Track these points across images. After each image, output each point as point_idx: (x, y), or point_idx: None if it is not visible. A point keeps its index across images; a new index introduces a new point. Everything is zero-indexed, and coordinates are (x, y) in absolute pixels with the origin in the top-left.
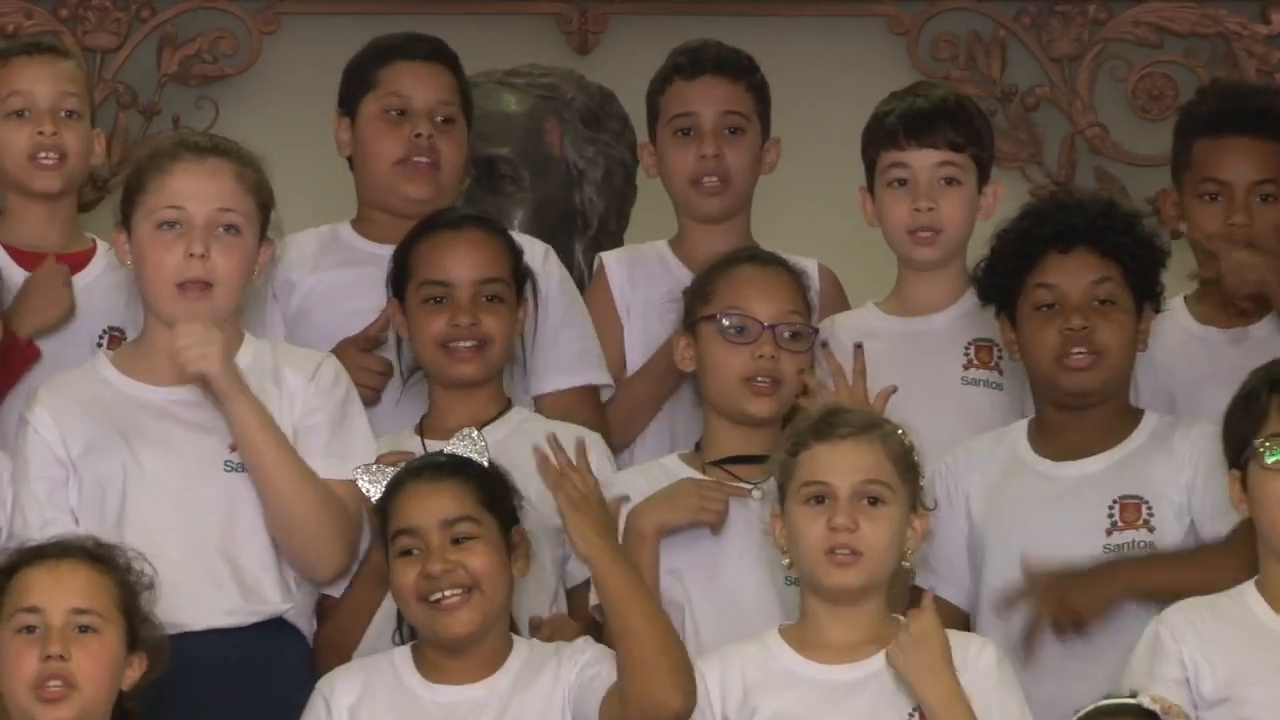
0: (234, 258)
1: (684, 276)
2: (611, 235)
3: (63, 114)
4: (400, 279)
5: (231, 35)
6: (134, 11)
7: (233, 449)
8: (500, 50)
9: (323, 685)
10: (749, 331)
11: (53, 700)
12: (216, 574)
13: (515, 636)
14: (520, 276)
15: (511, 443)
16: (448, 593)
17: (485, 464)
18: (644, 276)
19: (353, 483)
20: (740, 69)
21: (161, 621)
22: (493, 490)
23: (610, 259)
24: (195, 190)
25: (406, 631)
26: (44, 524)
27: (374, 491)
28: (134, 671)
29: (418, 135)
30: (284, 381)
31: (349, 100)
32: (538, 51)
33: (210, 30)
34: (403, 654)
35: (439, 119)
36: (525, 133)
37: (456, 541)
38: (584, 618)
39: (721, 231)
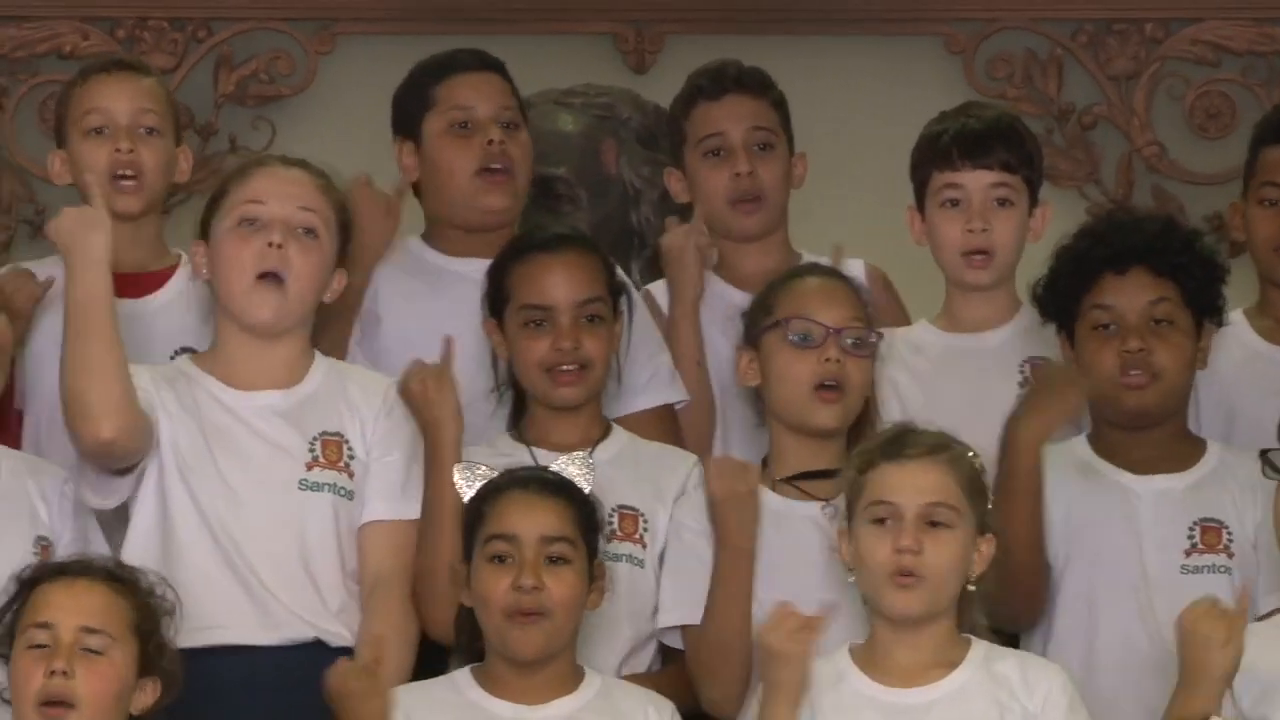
0: (311, 259)
1: (726, 294)
2: None
3: (142, 131)
4: (497, 299)
5: (288, 56)
6: (190, 32)
7: (309, 467)
8: (556, 70)
9: None
10: (814, 337)
11: (54, 718)
12: (283, 590)
13: (588, 668)
14: (615, 292)
15: (617, 466)
16: (528, 610)
17: (588, 490)
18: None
19: (412, 526)
20: (762, 85)
21: (214, 639)
22: (589, 518)
23: (655, 290)
24: (277, 189)
25: (458, 659)
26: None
27: (468, 490)
28: (145, 696)
29: (490, 143)
30: (354, 404)
31: (408, 123)
32: (594, 71)
33: (266, 51)
34: (463, 674)
35: (505, 125)
36: (582, 153)
37: (550, 561)
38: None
39: (761, 249)
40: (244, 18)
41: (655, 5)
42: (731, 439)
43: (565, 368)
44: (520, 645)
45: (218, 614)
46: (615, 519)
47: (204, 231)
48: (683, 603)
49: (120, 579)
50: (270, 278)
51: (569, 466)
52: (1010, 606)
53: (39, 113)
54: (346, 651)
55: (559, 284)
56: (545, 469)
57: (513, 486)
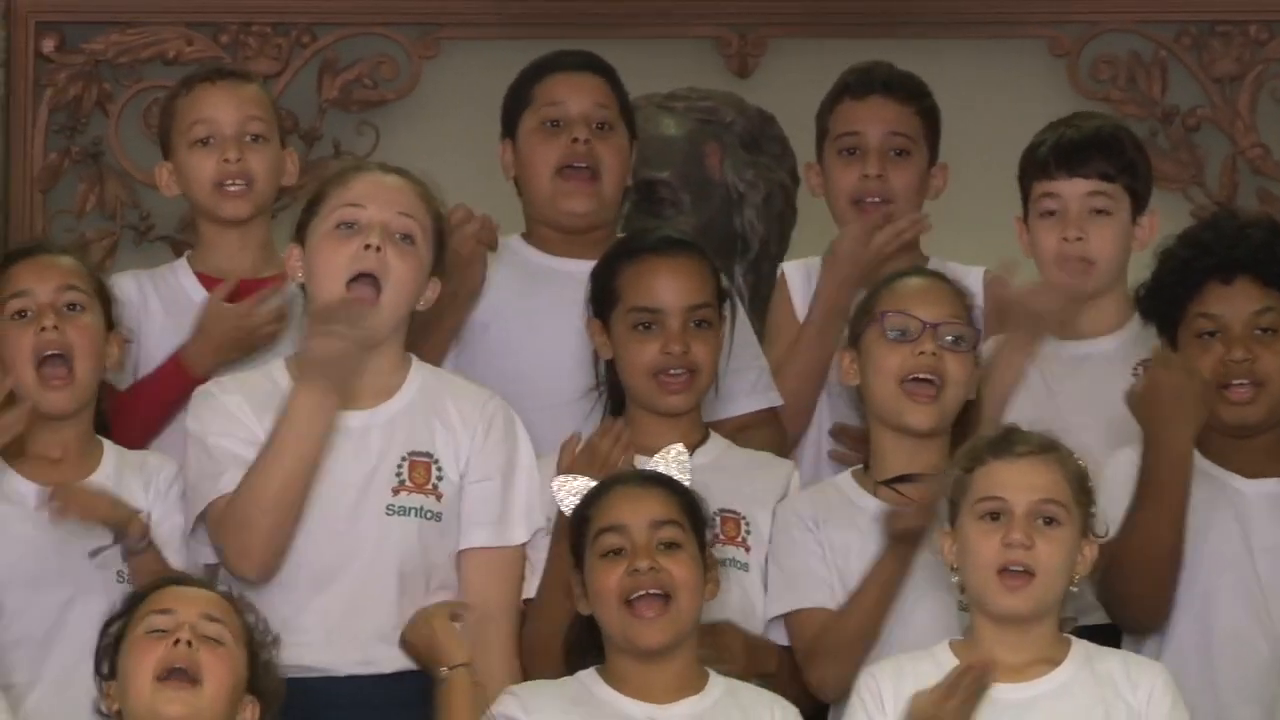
0: (407, 264)
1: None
2: (772, 259)
3: (248, 139)
4: (603, 300)
5: (391, 60)
6: (294, 37)
7: (395, 492)
8: (660, 74)
9: (508, 701)
10: (910, 331)
11: (179, 690)
12: (370, 616)
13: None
14: (721, 297)
15: (715, 471)
16: (649, 590)
17: (686, 483)
18: (798, 296)
19: (515, 552)
20: (910, 92)
21: (299, 665)
22: (695, 510)
23: (790, 268)
24: (377, 194)
25: (578, 662)
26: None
27: (568, 502)
28: (248, 713)
29: (574, 140)
30: (450, 422)
31: (509, 122)
32: (697, 75)
33: (370, 56)
34: (589, 674)
35: (595, 124)
36: (685, 156)
37: (662, 546)
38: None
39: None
40: (348, 22)
41: (758, 9)
42: (827, 439)
43: (673, 372)
44: (643, 635)
45: (306, 641)
46: (717, 522)
47: (300, 235)
48: (785, 592)
49: (233, 599)
50: (364, 280)
51: (663, 462)
52: (1140, 608)
53: (143, 118)
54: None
55: (670, 287)
56: (643, 470)
57: (615, 484)
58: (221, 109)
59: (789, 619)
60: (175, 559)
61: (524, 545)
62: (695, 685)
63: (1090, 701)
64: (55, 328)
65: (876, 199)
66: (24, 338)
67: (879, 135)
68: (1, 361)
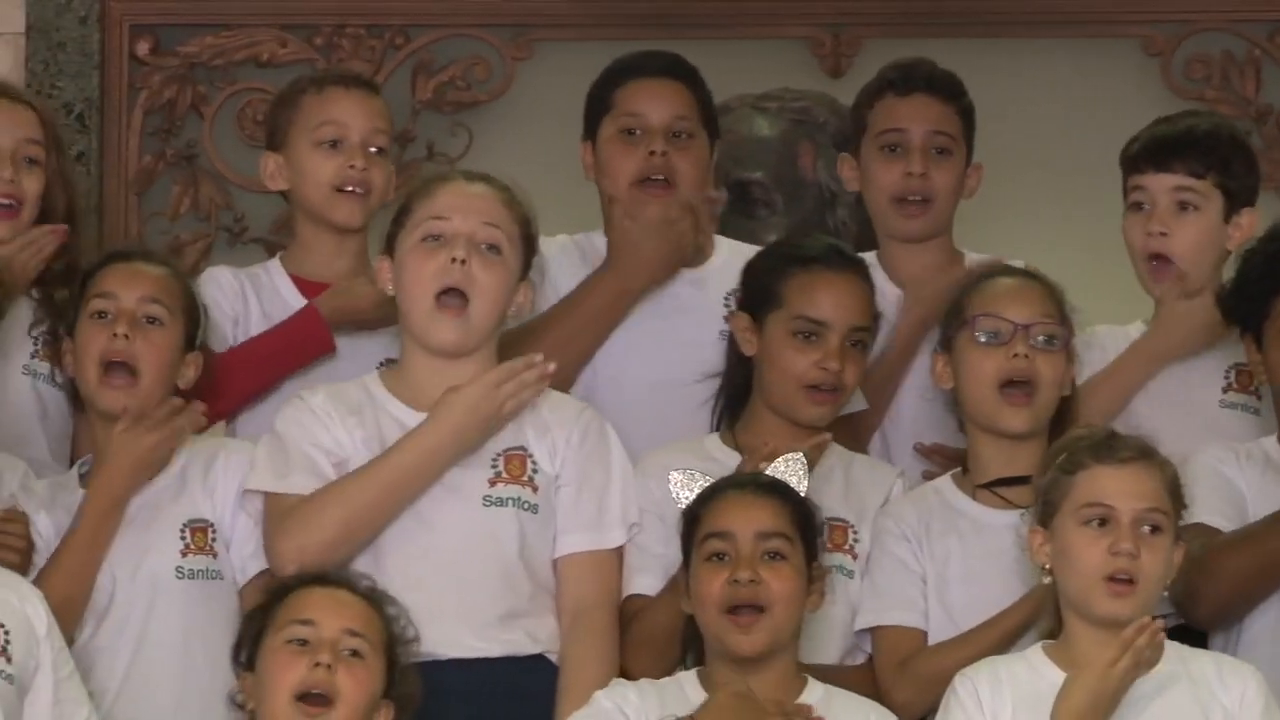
0: (494, 275)
1: (886, 290)
2: None
3: (372, 150)
4: (760, 298)
5: (485, 62)
6: (388, 39)
7: (491, 483)
8: (753, 74)
9: (612, 693)
10: (1001, 334)
11: (314, 715)
12: (472, 604)
13: (809, 677)
14: (874, 317)
15: (827, 478)
16: (745, 603)
17: (803, 491)
18: None
19: (613, 554)
20: (952, 90)
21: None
22: (807, 519)
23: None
24: (462, 205)
25: (692, 658)
26: (305, 481)
27: (684, 497)
28: (382, 718)
29: (651, 153)
30: (545, 425)
31: (591, 124)
32: (790, 75)
33: (464, 57)
34: (688, 676)
35: (676, 134)
36: (779, 156)
37: (767, 557)
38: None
39: (922, 249)
40: (441, 24)
41: (851, 10)
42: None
43: (825, 388)
44: (739, 642)
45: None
46: (826, 530)
47: (389, 247)
48: (873, 606)
49: (375, 598)
50: (452, 294)
51: (783, 466)
52: (1222, 606)
53: (237, 121)
54: (538, 660)
55: (839, 304)
56: (760, 473)
57: (729, 487)
58: (353, 115)
59: (875, 634)
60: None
61: (620, 546)
62: (792, 692)
63: (1187, 701)
64: (127, 337)
65: (918, 197)
66: (97, 338)
67: (923, 133)
68: (74, 354)
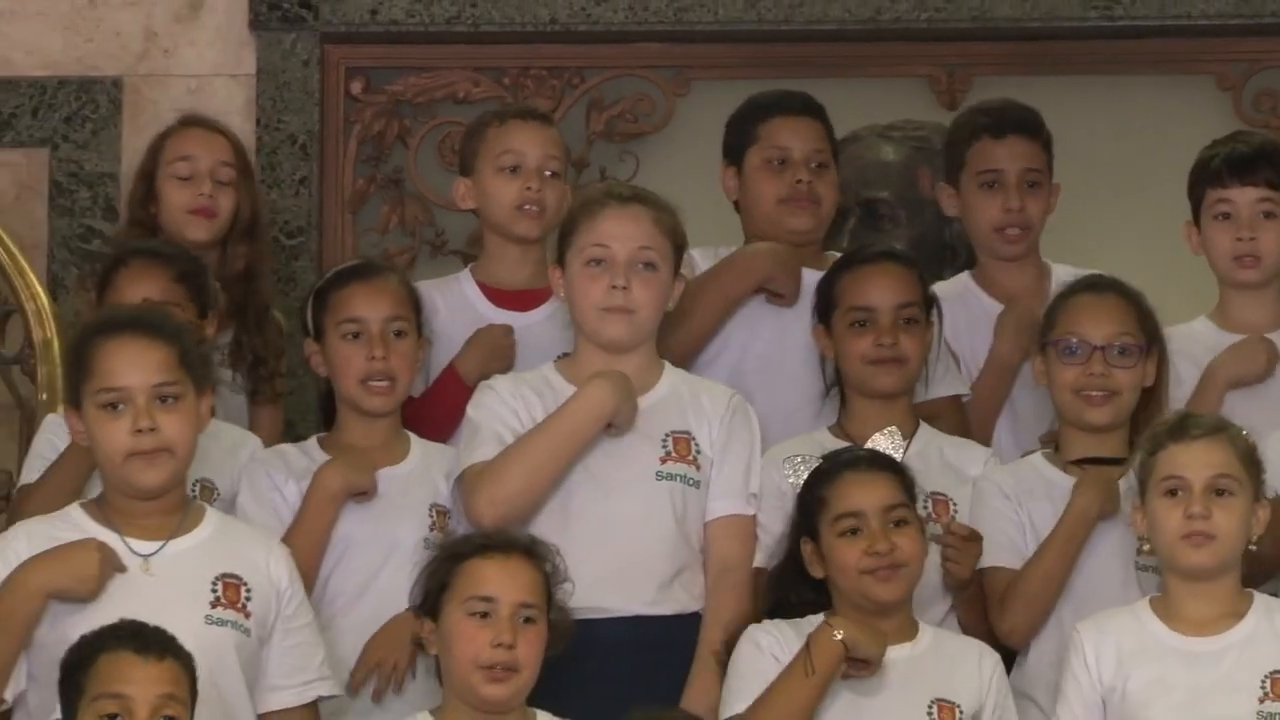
0: (651, 289)
1: (985, 304)
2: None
3: (547, 174)
4: (826, 307)
5: (649, 98)
6: (566, 79)
7: (662, 461)
8: (879, 108)
9: (753, 631)
10: (1081, 353)
11: (499, 681)
12: (647, 568)
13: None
14: (928, 301)
15: (924, 458)
16: (886, 563)
17: (900, 458)
18: (948, 307)
19: (751, 520)
20: (1037, 127)
21: (582, 606)
22: (911, 485)
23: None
24: (619, 231)
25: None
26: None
27: (797, 478)
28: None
29: (798, 181)
30: (702, 409)
31: (735, 151)
32: (912, 108)
33: (631, 94)
34: (819, 618)
35: (814, 165)
36: (901, 179)
37: (893, 525)
38: None
39: (1018, 267)
40: (612, 66)
41: (965, 52)
42: (1019, 411)
43: (883, 359)
44: (880, 589)
45: (586, 585)
46: (930, 505)
47: (560, 257)
48: (989, 549)
49: (536, 555)
50: (617, 312)
51: (882, 439)
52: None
53: (438, 150)
54: (695, 616)
55: (883, 289)
56: (865, 449)
57: (847, 469)
58: (530, 144)
59: (982, 575)
60: None
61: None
62: (909, 634)
63: (1271, 650)
64: (384, 358)
65: (1017, 229)
66: (355, 359)
67: (1018, 171)
68: (330, 366)
